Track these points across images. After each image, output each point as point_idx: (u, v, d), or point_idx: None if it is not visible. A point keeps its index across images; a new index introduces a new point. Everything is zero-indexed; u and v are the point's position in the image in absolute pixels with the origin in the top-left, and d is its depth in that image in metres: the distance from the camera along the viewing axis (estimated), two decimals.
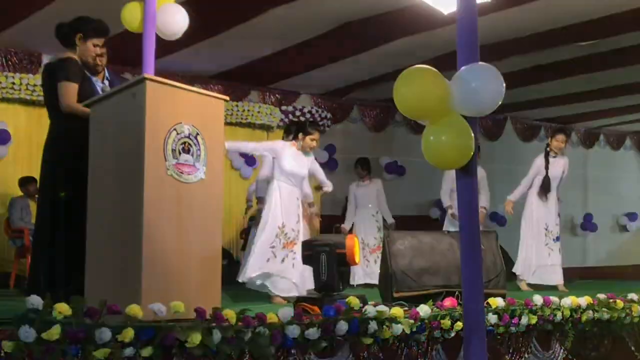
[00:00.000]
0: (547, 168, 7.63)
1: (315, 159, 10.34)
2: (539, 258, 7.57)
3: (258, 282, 5.93)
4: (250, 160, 9.95)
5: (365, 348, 4.00)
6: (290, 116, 10.44)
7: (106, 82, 4.63)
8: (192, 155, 3.83)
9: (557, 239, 7.64)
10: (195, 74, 9.39)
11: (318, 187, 7.21)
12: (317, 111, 10.67)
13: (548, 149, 7.71)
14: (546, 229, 7.60)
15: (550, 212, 7.64)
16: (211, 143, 3.95)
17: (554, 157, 7.67)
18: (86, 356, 3.10)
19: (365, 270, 8.72)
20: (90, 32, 4.49)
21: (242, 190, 9.64)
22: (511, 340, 4.69)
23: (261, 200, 6.56)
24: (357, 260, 4.61)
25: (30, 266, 4.57)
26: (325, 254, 4.53)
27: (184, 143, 3.79)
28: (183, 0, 5.07)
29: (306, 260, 4.75)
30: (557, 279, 7.55)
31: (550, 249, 7.59)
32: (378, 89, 10.09)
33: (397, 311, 4.13)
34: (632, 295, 5.50)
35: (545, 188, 7.62)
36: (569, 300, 4.96)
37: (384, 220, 9.07)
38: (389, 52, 8.33)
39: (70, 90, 4.29)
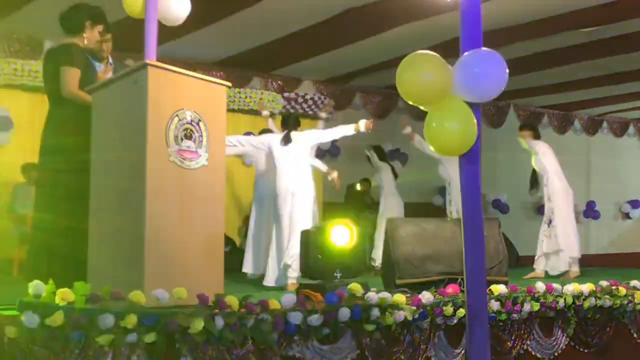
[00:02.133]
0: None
1: (318, 146, 10.43)
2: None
3: None
4: None
5: (367, 335, 4.01)
6: (293, 103, 10.42)
7: (110, 67, 4.63)
8: (195, 141, 3.83)
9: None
10: (197, 61, 9.36)
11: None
12: (319, 98, 10.64)
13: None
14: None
15: None
16: (213, 129, 3.95)
17: None
18: (89, 342, 3.11)
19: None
20: (97, 19, 4.51)
21: (244, 176, 9.62)
22: (513, 327, 4.70)
23: None
24: (343, 247, 4.52)
25: (32, 252, 4.57)
26: (305, 242, 4.49)
27: (186, 129, 3.79)
28: None
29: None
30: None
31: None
32: (381, 76, 10.05)
33: (399, 298, 4.13)
34: (635, 283, 5.50)
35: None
36: (572, 287, 4.96)
37: None
38: (391, 38, 8.29)
39: (72, 76, 4.28)
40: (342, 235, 4.49)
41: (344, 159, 10.75)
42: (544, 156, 7.45)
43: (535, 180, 7.71)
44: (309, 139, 6.44)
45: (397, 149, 11.24)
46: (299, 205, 6.13)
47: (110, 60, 4.66)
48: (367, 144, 9.43)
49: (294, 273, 5.89)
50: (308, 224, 5.93)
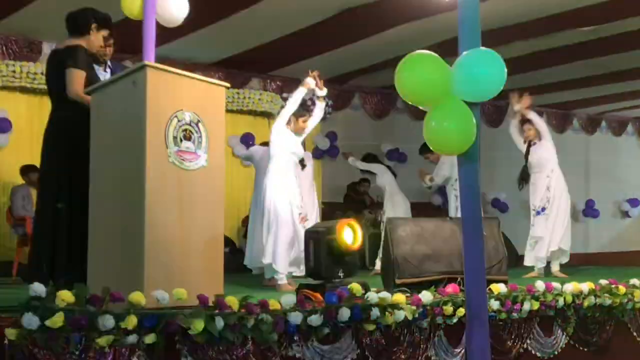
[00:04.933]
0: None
1: (317, 146, 10.45)
2: None
3: None
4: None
5: (367, 334, 4.01)
6: None
7: (108, 70, 4.65)
8: (194, 142, 3.83)
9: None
10: (196, 61, 9.36)
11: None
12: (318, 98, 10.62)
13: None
14: None
15: None
16: (212, 130, 3.95)
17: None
18: (89, 343, 3.11)
19: None
20: (103, 23, 4.53)
21: (243, 177, 9.63)
22: (513, 326, 4.70)
23: None
24: (351, 246, 4.49)
25: (31, 254, 4.57)
26: (313, 241, 4.47)
27: (185, 130, 3.79)
28: None
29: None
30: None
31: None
32: (379, 76, 10.05)
33: (399, 297, 4.13)
34: (634, 281, 5.50)
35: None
36: (571, 286, 4.96)
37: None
38: (390, 38, 8.30)
39: (79, 78, 4.30)
40: (348, 235, 4.48)
41: (343, 159, 10.76)
42: (550, 142, 7.54)
43: (526, 175, 7.75)
44: (278, 130, 6.47)
45: (396, 149, 11.26)
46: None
47: (109, 63, 4.68)
48: (345, 151, 9.75)
49: (283, 271, 5.94)
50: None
